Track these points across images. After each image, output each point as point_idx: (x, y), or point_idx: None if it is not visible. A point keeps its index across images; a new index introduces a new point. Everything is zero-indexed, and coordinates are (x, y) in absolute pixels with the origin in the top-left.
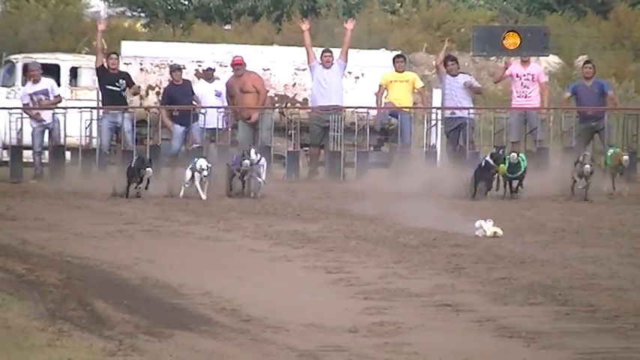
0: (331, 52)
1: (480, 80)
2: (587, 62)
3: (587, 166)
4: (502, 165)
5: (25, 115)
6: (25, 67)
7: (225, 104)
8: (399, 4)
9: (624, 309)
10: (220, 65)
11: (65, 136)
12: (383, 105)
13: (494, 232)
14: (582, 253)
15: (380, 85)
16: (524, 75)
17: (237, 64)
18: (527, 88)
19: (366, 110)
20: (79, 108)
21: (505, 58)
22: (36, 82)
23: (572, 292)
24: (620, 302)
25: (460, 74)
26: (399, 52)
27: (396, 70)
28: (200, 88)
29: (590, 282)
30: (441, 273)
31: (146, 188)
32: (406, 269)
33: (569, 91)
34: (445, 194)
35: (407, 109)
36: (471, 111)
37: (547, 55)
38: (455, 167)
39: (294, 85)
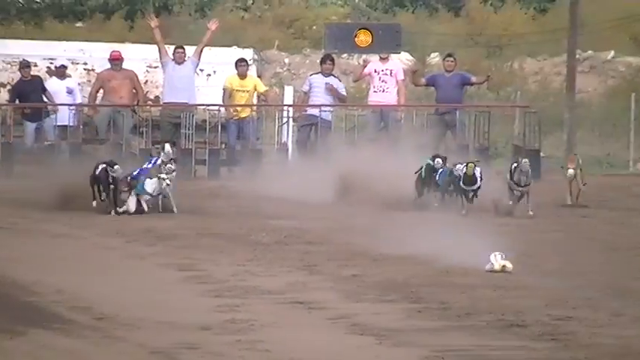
0: (184, 48)
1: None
2: (448, 55)
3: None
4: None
5: None
6: None
7: (78, 101)
8: (252, 2)
9: (477, 306)
10: (72, 62)
11: None
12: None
13: (503, 266)
14: (435, 250)
15: (224, 89)
16: (382, 70)
17: (116, 59)
18: (385, 82)
19: (217, 108)
20: None
21: (357, 55)
22: None
23: (425, 289)
24: (473, 300)
25: (331, 76)
26: (242, 57)
27: (239, 75)
28: (52, 85)
29: (442, 279)
30: (293, 270)
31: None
32: (258, 267)
33: (425, 79)
34: (297, 191)
35: (247, 113)
36: (328, 111)
37: (399, 53)
38: (306, 163)
39: (145, 82)
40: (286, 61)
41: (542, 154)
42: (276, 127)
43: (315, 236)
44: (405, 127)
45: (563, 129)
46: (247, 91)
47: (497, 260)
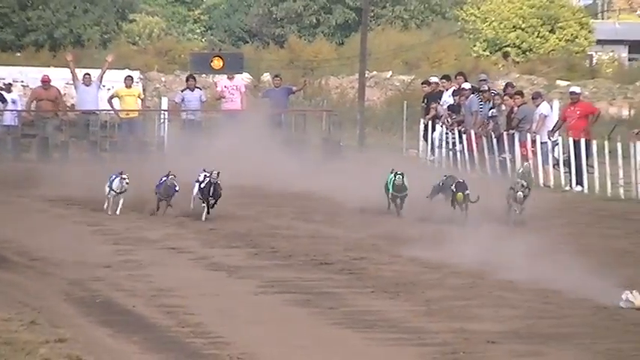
0: (90, 74)
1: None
2: (276, 75)
3: (520, 193)
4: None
5: None
6: None
7: (19, 109)
8: (138, 38)
9: (296, 250)
10: (14, 81)
11: None
12: (117, 109)
13: None
14: (267, 211)
15: (112, 95)
16: (231, 86)
17: (45, 81)
18: (233, 94)
19: (113, 112)
20: None
21: (212, 75)
22: None
23: (260, 238)
24: (294, 245)
25: (196, 89)
26: (129, 74)
27: (126, 86)
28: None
29: (273, 232)
30: (168, 226)
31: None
32: (145, 223)
33: (261, 93)
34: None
35: (135, 115)
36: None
37: (242, 73)
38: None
39: (64, 94)
40: (163, 79)
41: (341, 143)
42: (156, 126)
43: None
44: (248, 125)
45: (356, 126)
46: (133, 95)
47: (635, 298)
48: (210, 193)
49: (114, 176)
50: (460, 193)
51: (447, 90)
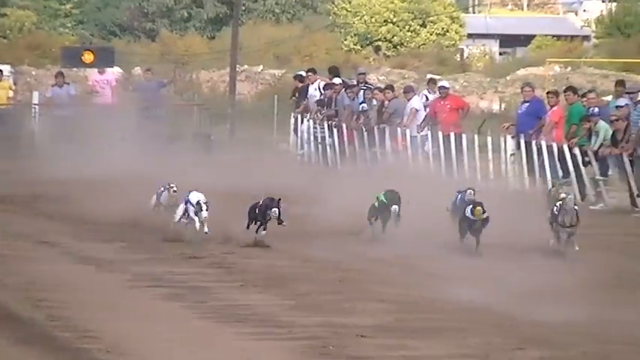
0: None
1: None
2: (147, 69)
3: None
4: None
5: None
6: None
7: None
8: (9, 32)
9: (167, 244)
10: None
11: None
12: None
13: None
14: (138, 204)
15: None
16: (102, 80)
17: None
18: (104, 89)
19: None
20: None
21: (83, 69)
22: None
23: (131, 232)
24: (159, 239)
25: (64, 85)
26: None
27: None
28: None
29: (144, 225)
30: (45, 221)
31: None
32: (19, 219)
33: (132, 87)
34: (44, 157)
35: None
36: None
37: (112, 67)
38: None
39: None
40: (34, 73)
41: (212, 137)
42: (27, 119)
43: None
44: (118, 119)
45: (227, 120)
46: (5, 88)
47: None
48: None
49: (162, 189)
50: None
51: (312, 83)
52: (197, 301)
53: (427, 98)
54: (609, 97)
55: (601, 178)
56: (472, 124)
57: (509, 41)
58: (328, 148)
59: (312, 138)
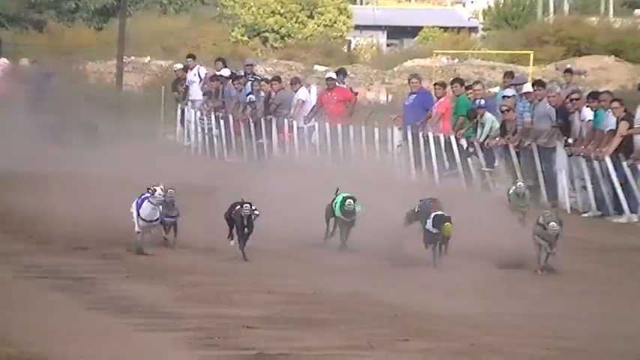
0: None
1: None
2: (34, 61)
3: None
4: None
5: None
6: None
7: None
8: None
9: (54, 235)
10: None
11: None
12: None
13: None
14: (24, 196)
15: None
16: None
17: None
18: None
19: None
20: None
21: None
22: None
23: (18, 223)
24: (51, 230)
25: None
26: None
27: None
28: None
29: (30, 216)
30: None
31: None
32: None
33: (19, 78)
34: None
35: None
36: None
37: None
38: None
39: None
40: None
41: (98, 127)
42: None
43: None
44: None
45: (114, 111)
46: None
47: None
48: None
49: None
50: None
51: (191, 69)
52: (84, 292)
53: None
54: (496, 89)
55: (487, 169)
56: (360, 115)
57: (396, 32)
58: (215, 139)
59: (198, 129)
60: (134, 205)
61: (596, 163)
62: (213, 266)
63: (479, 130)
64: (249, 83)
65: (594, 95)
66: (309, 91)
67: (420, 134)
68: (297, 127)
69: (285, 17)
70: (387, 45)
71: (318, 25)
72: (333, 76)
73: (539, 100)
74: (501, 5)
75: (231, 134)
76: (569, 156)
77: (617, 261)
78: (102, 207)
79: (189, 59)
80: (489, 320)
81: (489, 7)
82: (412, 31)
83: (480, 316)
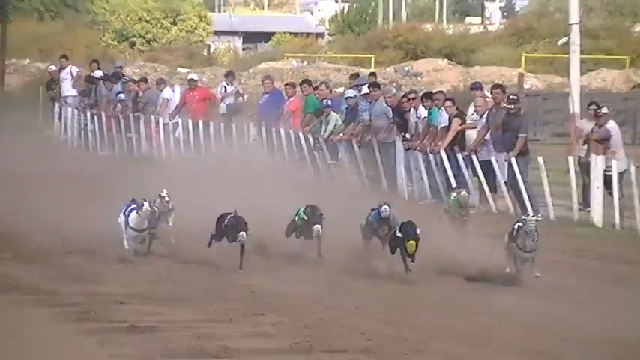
0: None
1: None
2: None
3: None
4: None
5: None
6: None
7: None
8: None
9: None
10: None
11: None
12: None
13: None
14: None
15: None
16: None
17: None
18: None
19: None
20: None
21: None
22: None
23: None
24: None
25: None
26: None
27: None
28: None
29: None
30: None
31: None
32: None
33: None
34: None
35: None
36: None
37: None
38: None
39: None
40: None
41: None
42: None
43: None
44: None
45: None
46: None
47: None
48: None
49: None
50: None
51: (64, 69)
52: None
53: (225, 89)
54: (342, 89)
55: (332, 162)
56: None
57: (251, 38)
58: (90, 134)
59: (75, 124)
60: (121, 216)
61: (431, 157)
62: (91, 248)
63: (323, 127)
64: (120, 83)
65: (428, 95)
66: (173, 91)
67: (273, 130)
68: (163, 123)
69: (151, 23)
70: (243, 49)
71: (181, 31)
72: (195, 77)
73: (376, 100)
74: (346, 13)
75: (104, 129)
76: (406, 150)
77: None
78: None
79: (62, 59)
80: (336, 297)
81: (335, 14)
82: (265, 37)
83: (328, 293)
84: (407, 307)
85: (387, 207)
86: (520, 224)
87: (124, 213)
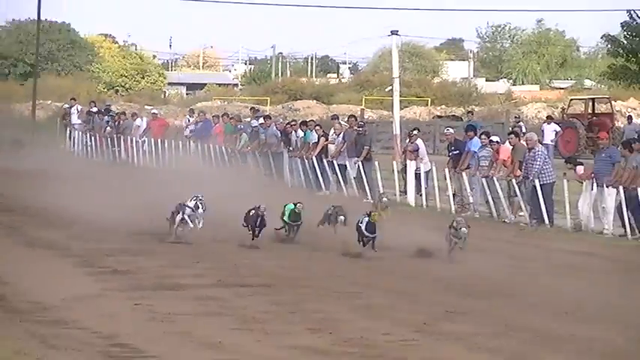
0: None
1: None
2: None
3: (464, 229)
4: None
5: None
6: None
7: None
8: None
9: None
10: None
11: None
12: None
13: None
14: None
15: None
16: None
17: None
18: None
19: None
20: None
21: None
22: None
23: None
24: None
25: None
26: None
27: None
28: None
29: None
30: None
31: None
32: None
33: None
34: None
35: None
36: None
37: None
38: None
39: None
40: None
41: (22, 141)
42: None
43: None
44: None
45: (30, 132)
46: None
47: None
48: (257, 223)
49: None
50: None
51: (73, 107)
52: None
53: (189, 120)
54: (248, 119)
55: (242, 165)
56: (170, 133)
57: (192, 87)
58: (89, 148)
59: (79, 142)
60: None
61: (306, 161)
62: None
63: (238, 143)
64: (108, 115)
65: (304, 122)
66: (142, 120)
67: (205, 145)
68: (135, 141)
69: (128, 78)
70: (187, 94)
71: (147, 83)
72: (156, 112)
73: (269, 126)
74: (251, 71)
75: (98, 145)
76: (290, 157)
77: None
78: None
79: (72, 100)
80: (247, 252)
81: (245, 72)
82: (201, 86)
83: (240, 251)
84: (299, 257)
85: (300, 204)
86: (457, 220)
87: (183, 212)
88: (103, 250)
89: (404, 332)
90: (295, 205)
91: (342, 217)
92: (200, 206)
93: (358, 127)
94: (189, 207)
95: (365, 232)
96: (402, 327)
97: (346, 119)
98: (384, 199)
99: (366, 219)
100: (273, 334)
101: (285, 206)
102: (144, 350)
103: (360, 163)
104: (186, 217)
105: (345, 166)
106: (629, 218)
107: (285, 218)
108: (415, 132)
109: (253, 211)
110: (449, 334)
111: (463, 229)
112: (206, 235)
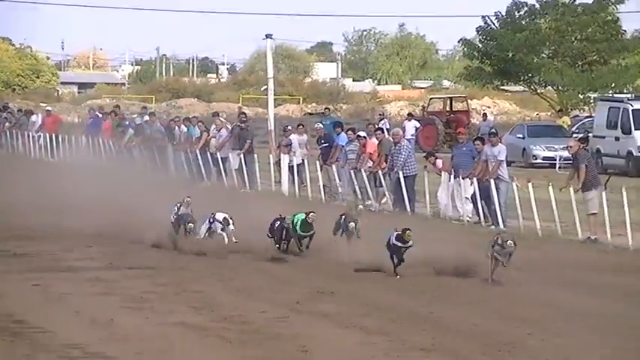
0: None
1: None
2: None
3: (510, 242)
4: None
5: None
6: None
7: None
8: None
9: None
10: None
11: None
12: None
13: None
14: None
15: None
16: None
17: None
18: None
19: None
20: None
21: None
22: None
23: None
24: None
25: None
26: None
27: None
28: None
29: None
30: None
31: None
32: None
33: None
34: None
35: None
36: None
37: None
38: None
39: None
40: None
41: None
42: None
43: None
44: None
45: None
46: None
47: None
48: (284, 236)
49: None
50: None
51: None
52: None
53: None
54: (135, 116)
55: (129, 158)
56: (65, 129)
57: (83, 86)
58: None
59: None
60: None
61: (190, 155)
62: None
63: (124, 138)
64: (6, 112)
65: (187, 119)
66: (38, 116)
67: (95, 140)
68: (32, 136)
69: (24, 77)
70: (79, 92)
71: (42, 82)
72: (49, 109)
73: (154, 122)
74: (138, 71)
75: None
76: (174, 151)
77: None
78: None
79: None
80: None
81: (132, 72)
82: (91, 85)
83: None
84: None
85: (313, 214)
86: (502, 236)
87: (210, 221)
88: (3, 235)
89: (279, 311)
90: (307, 214)
91: (352, 224)
92: (230, 222)
93: (242, 122)
94: (219, 221)
95: (397, 243)
96: (277, 306)
97: (240, 115)
98: (359, 206)
99: (396, 233)
100: (159, 312)
101: (294, 216)
102: (41, 327)
103: (242, 156)
104: (219, 230)
105: (226, 158)
106: (482, 207)
107: (297, 229)
108: (288, 127)
109: (278, 223)
110: (319, 312)
111: (509, 242)
112: (100, 222)
